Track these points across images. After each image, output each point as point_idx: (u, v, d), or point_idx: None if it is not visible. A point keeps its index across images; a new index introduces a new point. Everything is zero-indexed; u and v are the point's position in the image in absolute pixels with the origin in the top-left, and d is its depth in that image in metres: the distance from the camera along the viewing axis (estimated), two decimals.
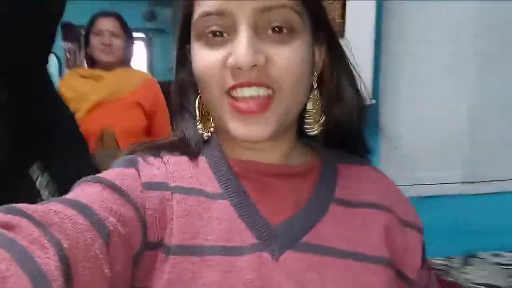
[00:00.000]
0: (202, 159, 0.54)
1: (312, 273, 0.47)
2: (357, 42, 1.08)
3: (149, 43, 4.92)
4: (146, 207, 0.46)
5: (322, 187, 0.54)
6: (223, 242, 0.47)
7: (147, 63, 5.00)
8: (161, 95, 1.84)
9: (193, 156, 0.54)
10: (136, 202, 0.45)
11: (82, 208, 0.39)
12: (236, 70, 0.46)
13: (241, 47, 0.45)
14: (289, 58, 0.47)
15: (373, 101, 1.57)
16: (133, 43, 1.87)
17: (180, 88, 0.58)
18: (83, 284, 0.35)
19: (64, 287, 0.32)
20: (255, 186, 0.52)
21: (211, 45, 0.48)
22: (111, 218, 0.41)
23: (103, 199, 0.42)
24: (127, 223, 0.42)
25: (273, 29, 0.47)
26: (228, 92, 0.48)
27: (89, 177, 0.46)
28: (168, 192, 0.48)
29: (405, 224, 0.55)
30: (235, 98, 0.48)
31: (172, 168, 0.51)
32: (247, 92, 0.47)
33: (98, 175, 0.47)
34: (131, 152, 0.54)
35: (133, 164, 0.50)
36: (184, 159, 0.53)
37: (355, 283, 0.47)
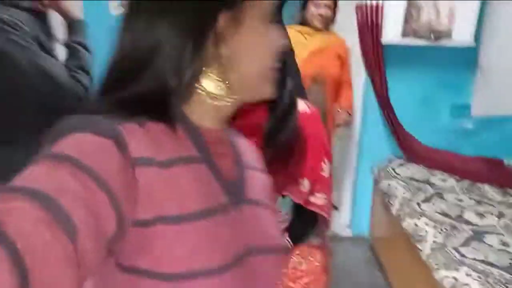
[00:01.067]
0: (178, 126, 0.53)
1: (258, 221, 0.58)
2: None
3: None
4: (133, 184, 0.46)
5: (239, 155, 0.63)
6: (205, 204, 0.50)
7: None
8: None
9: (171, 125, 0.51)
10: (108, 183, 0.42)
11: (46, 201, 0.36)
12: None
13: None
14: None
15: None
16: (337, 12, 2.35)
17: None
18: (43, 284, 0.33)
19: None
20: (217, 151, 0.56)
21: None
22: (80, 213, 0.38)
23: (71, 187, 0.39)
24: (98, 211, 0.40)
25: None
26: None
27: (59, 151, 0.42)
28: (153, 167, 0.48)
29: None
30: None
31: (154, 140, 0.49)
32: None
33: (63, 150, 0.42)
34: (96, 112, 0.49)
35: (112, 133, 0.45)
36: (162, 128, 0.51)
37: (275, 225, 0.63)
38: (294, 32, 2.28)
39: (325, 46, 2.31)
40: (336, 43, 2.38)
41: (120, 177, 0.44)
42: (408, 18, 2.34)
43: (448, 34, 2.32)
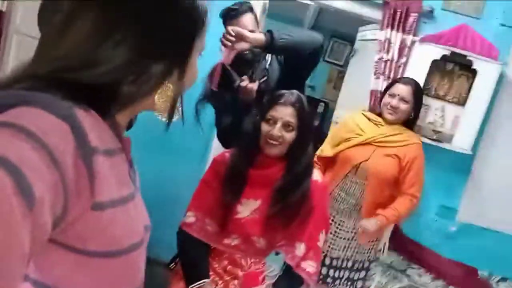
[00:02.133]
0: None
1: (141, 204, 0.67)
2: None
3: None
4: (94, 169, 0.49)
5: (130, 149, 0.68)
6: (129, 190, 0.60)
7: None
8: (423, 159, 2.09)
9: (105, 116, 0.56)
10: (62, 166, 0.44)
11: (11, 168, 0.39)
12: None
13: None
14: None
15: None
16: (419, 109, 2.11)
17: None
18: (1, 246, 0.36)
19: None
20: (124, 144, 0.63)
21: None
22: (39, 184, 0.40)
23: (33, 159, 0.41)
24: (53, 189, 0.43)
25: None
26: None
27: (17, 122, 0.43)
28: (102, 155, 0.51)
29: None
30: None
31: (98, 129, 0.52)
32: None
33: (20, 122, 0.43)
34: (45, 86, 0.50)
35: (68, 117, 0.47)
36: (97, 118, 0.54)
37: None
38: (361, 116, 2.17)
39: (383, 140, 2.05)
40: (404, 144, 2.04)
41: (71, 161, 0.45)
42: None
43: (449, 139, 2.46)
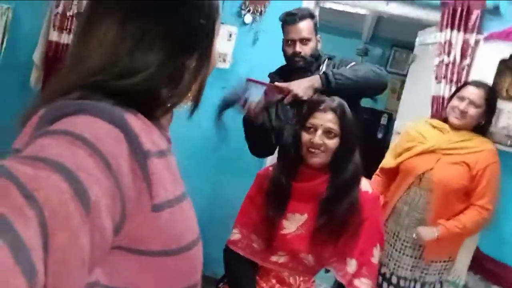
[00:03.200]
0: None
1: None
2: None
3: None
4: (149, 172, 0.49)
5: None
6: (182, 189, 0.60)
7: None
8: (498, 167, 1.88)
9: (152, 118, 0.56)
10: (117, 172, 0.44)
11: (68, 174, 0.39)
12: None
13: None
14: None
15: None
16: (492, 114, 1.94)
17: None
18: (60, 253, 0.35)
19: (42, 255, 0.34)
20: (168, 143, 0.64)
21: None
22: (95, 189, 0.41)
23: (88, 166, 0.42)
24: (109, 194, 0.43)
25: None
26: None
27: (72, 130, 0.44)
28: (155, 157, 0.51)
29: None
30: None
31: (148, 132, 0.53)
32: None
33: (75, 130, 0.44)
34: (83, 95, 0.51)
35: (120, 123, 0.48)
36: (146, 120, 0.54)
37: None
38: (424, 123, 2.02)
39: (449, 147, 1.86)
40: (474, 151, 1.84)
41: (126, 168, 0.46)
42: None
43: None
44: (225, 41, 2.60)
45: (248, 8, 2.56)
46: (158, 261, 0.54)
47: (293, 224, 1.42)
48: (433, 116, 2.25)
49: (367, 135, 4.39)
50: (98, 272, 0.52)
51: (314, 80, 1.58)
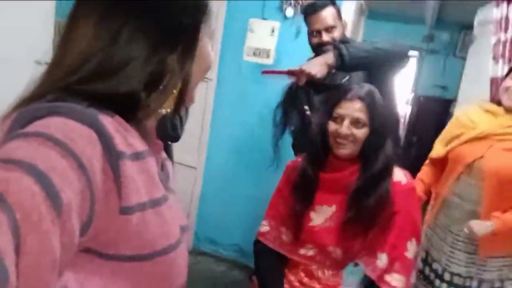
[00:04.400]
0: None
1: (177, 207, 0.65)
2: None
3: (420, 61, 5.37)
4: (121, 174, 0.49)
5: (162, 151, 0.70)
6: (161, 192, 0.58)
7: (414, 78, 5.51)
8: None
9: (132, 120, 0.56)
10: (89, 172, 0.44)
11: (40, 176, 0.39)
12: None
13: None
14: None
15: None
16: None
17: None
18: (32, 256, 0.36)
19: (14, 259, 0.34)
20: (155, 145, 0.64)
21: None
22: (67, 191, 0.41)
23: (60, 167, 0.42)
24: (80, 196, 0.43)
25: None
26: None
27: (45, 131, 0.43)
28: (128, 160, 0.51)
29: None
30: None
31: (123, 134, 0.52)
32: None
33: (48, 131, 0.43)
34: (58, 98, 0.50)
35: (93, 123, 0.48)
36: (122, 122, 0.53)
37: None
38: (475, 108, 1.86)
39: (502, 132, 1.70)
40: None
41: (98, 167, 0.46)
42: None
43: None
44: (267, 37, 2.60)
45: (290, 2, 2.54)
46: (131, 266, 0.53)
47: (321, 216, 1.38)
48: (492, 100, 2.06)
49: (436, 124, 4.13)
50: (71, 280, 0.51)
51: (327, 57, 1.52)
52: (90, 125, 0.47)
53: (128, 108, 0.55)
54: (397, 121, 1.83)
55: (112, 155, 0.48)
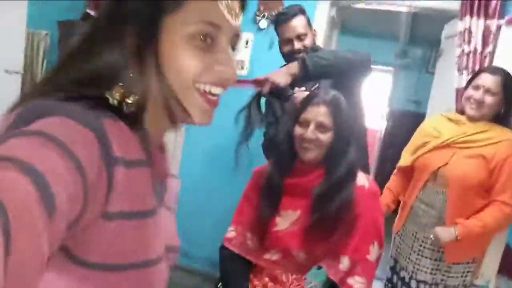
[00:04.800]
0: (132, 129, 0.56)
1: (169, 224, 0.67)
2: None
3: (394, 76, 5.49)
4: (113, 178, 0.49)
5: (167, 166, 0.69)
6: (150, 205, 0.56)
7: (390, 93, 5.60)
8: None
9: (132, 126, 0.55)
10: (87, 175, 0.44)
11: (36, 177, 0.38)
12: (220, 73, 0.57)
13: (229, 59, 0.58)
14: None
15: None
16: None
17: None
18: (21, 257, 0.35)
19: (3, 258, 0.32)
20: (156, 156, 0.61)
21: (197, 47, 0.55)
22: (61, 194, 0.40)
23: (58, 168, 0.41)
24: (72, 197, 0.42)
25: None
26: (197, 84, 0.57)
27: (44, 130, 0.43)
28: (122, 166, 0.50)
29: None
30: (201, 91, 0.57)
31: (124, 139, 0.52)
32: (219, 90, 0.59)
33: (48, 130, 0.43)
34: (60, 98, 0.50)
35: (95, 126, 0.48)
36: (124, 128, 0.53)
37: (175, 228, 0.72)
38: (439, 117, 1.93)
39: (465, 140, 1.74)
40: (492, 142, 1.70)
41: (95, 170, 0.46)
42: None
43: None
44: (242, 48, 2.63)
45: (263, 14, 2.58)
46: (97, 275, 0.51)
47: (286, 221, 1.39)
48: (457, 110, 2.12)
49: (410, 138, 4.20)
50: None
51: (291, 66, 1.55)
52: (92, 128, 0.47)
53: (131, 115, 0.55)
54: (363, 129, 1.86)
55: (108, 160, 0.48)
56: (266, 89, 1.52)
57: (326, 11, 2.49)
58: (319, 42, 2.42)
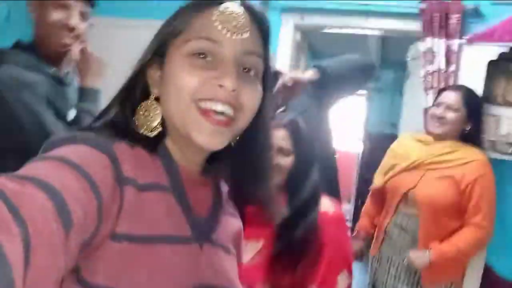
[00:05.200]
0: (154, 154, 0.58)
1: (218, 263, 0.61)
2: None
3: (369, 99, 5.54)
4: (123, 199, 0.50)
5: (218, 198, 0.66)
6: (167, 231, 0.55)
7: (366, 116, 5.64)
8: (491, 178, 1.69)
9: (151, 151, 0.58)
10: (101, 194, 0.46)
11: (54, 194, 0.40)
12: (218, 87, 0.54)
13: (228, 72, 0.54)
14: (254, 93, 0.58)
15: None
16: (477, 119, 1.76)
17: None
18: (39, 271, 0.35)
19: (22, 272, 0.33)
20: (190, 188, 0.60)
21: (195, 64, 0.55)
22: (78, 211, 0.41)
23: (74, 187, 0.43)
24: (88, 216, 0.44)
25: (244, 68, 0.57)
26: (198, 103, 0.55)
27: (62, 155, 0.46)
28: (134, 188, 0.52)
29: None
30: (203, 110, 0.54)
31: (138, 163, 0.54)
32: (221, 107, 0.54)
33: (65, 155, 0.47)
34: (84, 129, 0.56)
35: (107, 150, 0.51)
36: (145, 154, 0.57)
37: (234, 270, 0.66)
38: (408, 138, 1.91)
39: (433, 161, 1.72)
40: (461, 163, 1.68)
41: (109, 190, 0.48)
42: (486, 129, 2.09)
43: None
44: None
45: None
46: None
47: (248, 252, 1.31)
48: (425, 129, 2.11)
49: None
50: None
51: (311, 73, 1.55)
52: (104, 151, 0.50)
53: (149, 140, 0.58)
54: (331, 152, 1.82)
55: (120, 180, 0.50)
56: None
57: (291, 35, 2.48)
58: (286, 65, 2.41)
